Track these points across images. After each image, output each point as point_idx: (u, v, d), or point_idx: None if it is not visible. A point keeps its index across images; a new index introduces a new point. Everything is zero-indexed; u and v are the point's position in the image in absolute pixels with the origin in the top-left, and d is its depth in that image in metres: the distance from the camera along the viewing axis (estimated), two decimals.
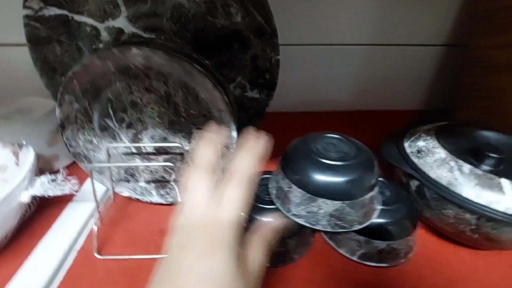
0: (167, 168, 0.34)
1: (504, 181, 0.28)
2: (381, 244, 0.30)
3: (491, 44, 0.44)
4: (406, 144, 0.35)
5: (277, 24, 0.51)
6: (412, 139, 0.35)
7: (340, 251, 0.32)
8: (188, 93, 0.29)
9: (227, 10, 0.31)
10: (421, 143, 0.34)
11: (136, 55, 0.26)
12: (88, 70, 0.27)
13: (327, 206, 0.26)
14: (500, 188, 0.27)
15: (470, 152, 0.33)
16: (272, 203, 0.29)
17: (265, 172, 0.32)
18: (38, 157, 0.41)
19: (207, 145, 0.22)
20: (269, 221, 0.23)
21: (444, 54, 0.55)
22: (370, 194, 0.27)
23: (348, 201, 0.26)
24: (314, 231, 0.32)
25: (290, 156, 0.29)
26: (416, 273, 0.30)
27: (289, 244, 0.30)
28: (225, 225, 0.19)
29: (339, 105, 0.61)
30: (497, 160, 0.31)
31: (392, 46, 0.54)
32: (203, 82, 0.27)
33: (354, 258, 0.31)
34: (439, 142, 0.33)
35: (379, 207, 0.29)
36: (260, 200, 0.29)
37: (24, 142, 0.36)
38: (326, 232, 0.32)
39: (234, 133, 0.30)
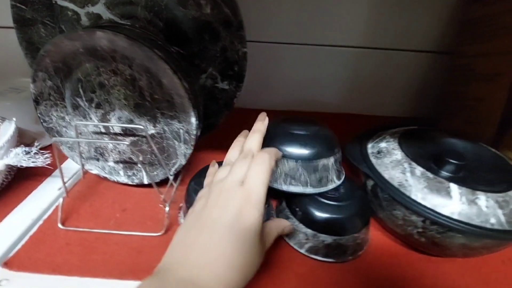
0: (134, 150, 0.35)
1: (453, 186, 0.27)
2: (327, 239, 0.30)
3: (475, 52, 0.43)
4: (369, 145, 0.35)
5: (265, 22, 0.52)
6: (376, 140, 0.36)
7: (290, 242, 0.32)
8: (152, 78, 0.30)
9: (197, 1, 0.32)
10: (383, 145, 0.34)
11: (101, 38, 0.27)
12: (59, 49, 0.29)
13: (283, 165, 0.31)
14: (448, 193, 0.27)
15: (432, 157, 0.33)
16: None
17: None
18: (24, 133, 0.43)
19: (255, 134, 0.28)
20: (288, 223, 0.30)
21: (433, 61, 0.54)
22: (323, 161, 0.31)
23: (301, 161, 0.30)
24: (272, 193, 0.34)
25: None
26: (363, 272, 0.30)
27: None
28: (255, 196, 0.22)
29: (327, 107, 0.61)
30: (456, 166, 0.31)
31: (382, 50, 0.54)
32: (163, 68, 0.28)
33: (302, 251, 0.31)
34: (399, 144, 0.33)
35: (336, 182, 0.32)
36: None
37: (14, 119, 0.39)
38: (283, 194, 0.33)
39: (193, 120, 0.31)
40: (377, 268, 0.31)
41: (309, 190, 0.31)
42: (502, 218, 0.25)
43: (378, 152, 0.33)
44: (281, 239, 0.33)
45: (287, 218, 0.32)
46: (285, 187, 0.31)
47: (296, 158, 0.31)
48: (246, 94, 0.61)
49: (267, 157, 0.25)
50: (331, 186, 0.32)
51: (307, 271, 0.30)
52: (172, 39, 0.34)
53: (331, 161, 0.32)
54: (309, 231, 0.30)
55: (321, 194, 0.31)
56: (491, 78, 0.40)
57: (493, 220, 0.25)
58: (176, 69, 0.29)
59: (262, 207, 0.22)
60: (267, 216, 0.31)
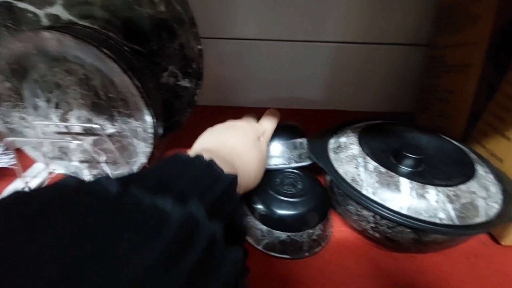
0: (96, 149, 0.36)
1: (403, 180, 0.27)
2: (282, 235, 0.30)
3: (447, 43, 0.42)
4: (332, 140, 0.35)
5: (241, 19, 0.52)
6: (339, 135, 0.35)
7: (248, 239, 0.32)
8: (104, 77, 0.30)
9: (151, 0, 0.32)
10: (342, 139, 0.33)
11: (48, 38, 0.28)
12: (12, 51, 0.29)
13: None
14: (397, 187, 0.27)
15: (392, 152, 0.32)
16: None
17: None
18: None
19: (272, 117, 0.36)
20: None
21: (411, 54, 0.53)
22: (299, 140, 0.37)
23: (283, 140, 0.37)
24: None
25: None
26: (319, 268, 0.30)
27: None
28: (267, 134, 0.34)
29: (308, 104, 0.60)
30: (415, 160, 0.30)
31: (360, 44, 0.53)
32: (112, 66, 0.29)
33: (260, 248, 0.31)
34: (359, 139, 0.32)
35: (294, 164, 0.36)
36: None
37: None
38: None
39: (148, 118, 0.31)
40: (335, 264, 0.30)
41: (293, 164, 0.36)
42: (452, 213, 0.25)
43: (337, 147, 0.33)
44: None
45: (246, 215, 0.32)
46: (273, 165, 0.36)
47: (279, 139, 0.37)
48: (225, 92, 0.61)
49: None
50: (309, 161, 0.36)
51: (265, 268, 0.30)
52: (132, 38, 0.34)
53: (305, 140, 0.38)
54: (264, 227, 0.30)
55: (277, 191, 0.31)
56: (461, 70, 0.38)
57: (442, 215, 0.25)
58: (127, 68, 0.29)
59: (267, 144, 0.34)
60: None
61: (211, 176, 0.19)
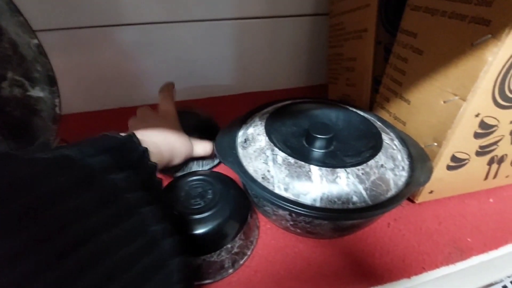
0: None
1: (313, 168, 0.24)
2: (196, 260, 0.25)
3: (342, 9, 0.40)
4: (240, 133, 0.31)
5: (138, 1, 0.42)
6: (247, 125, 0.31)
7: None
8: None
9: None
10: (250, 130, 0.29)
11: None
12: None
13: None
14: (309, 177, 0.24)
15: (303, 135, 0.29)
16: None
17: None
18: None
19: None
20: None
21: (315, 24, 0.51)
22: None
23: None
24: None
25: None
26: (247, 281, 0.27)
27: None
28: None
29: (221, 90, 0.55)
30: (325, 140, 0.28)
31: (261, 19, 0.49)
32: None
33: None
34: (265, 127, 0.29)
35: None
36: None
37: None
38: None
39: None
40: (263, 271, 0.27)
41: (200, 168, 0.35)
42: (364, 194, 0.23)
43: (245, 141, 0.29)
44: None
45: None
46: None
47: None
48: (127, 91, 0.52)
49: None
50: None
51: None
52: None
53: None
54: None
55: (183, 210, 0.26)
56: (359, 35, 0.37)
57: (355, 199, 0.23)
58: None
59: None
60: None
61: (115, 137, 0.21)
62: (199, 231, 0.25)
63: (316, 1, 0.49)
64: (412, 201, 0.34)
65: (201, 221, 0.25)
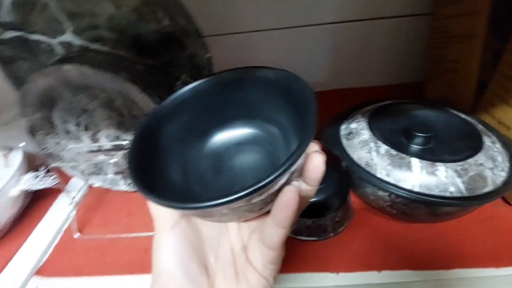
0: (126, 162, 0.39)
1: (414, 160, 0.29)
2: (307, 221, 0.33)
3: (450, 13, 0.41)
4: (343, 127, 0.37)
5: (239, 12, 0.52)
6: (349, 120, 0.37)
7: None
8: (125, 97, 0.32)
9: (155, 16, 0.33)
10: (353, 125, 0.35)
11: (69, 70, 0.30)
12: (37, 85, 0.32)
13: None
14: (409, 167, 0.29)
15: (402, 132, 0.34)
16: None
17: None
18: (35, 156, 0.48)
19: None
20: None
21: (413, 25, 0.52)
22: None
23: None
24: None
25: None
26: (344, 246, 0.33)
27: None
28: None
29: (316, 86, 0.61)
30: (424, 138, 0.32)
31: (359, 21, 0.53)
32: (131, 88, 0.31)
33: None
34: (368, 123, 0.34)
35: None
36: None
37: (22, 144, 0.44)
38: None
39: None
40: (358, 240, 0.34)
41: None
42: (461, 186, 0.27)
43: (349, 134, 0.35)
44: None
45: None
46: None
47: None
48: None
49: None
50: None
51: (294, 250, 0.34)
52: (143, 54, 0.36)
53: None
54: None
55: None
56: (465, 40, 0.39)
57: (452, 189, 0.27)
58: (145, 87, 0.31)
59: None
60: None
61: None
62: (313, 199, 0.32)
63: (412, 2, 0.50)
64: (509, 203, 0.35)
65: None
